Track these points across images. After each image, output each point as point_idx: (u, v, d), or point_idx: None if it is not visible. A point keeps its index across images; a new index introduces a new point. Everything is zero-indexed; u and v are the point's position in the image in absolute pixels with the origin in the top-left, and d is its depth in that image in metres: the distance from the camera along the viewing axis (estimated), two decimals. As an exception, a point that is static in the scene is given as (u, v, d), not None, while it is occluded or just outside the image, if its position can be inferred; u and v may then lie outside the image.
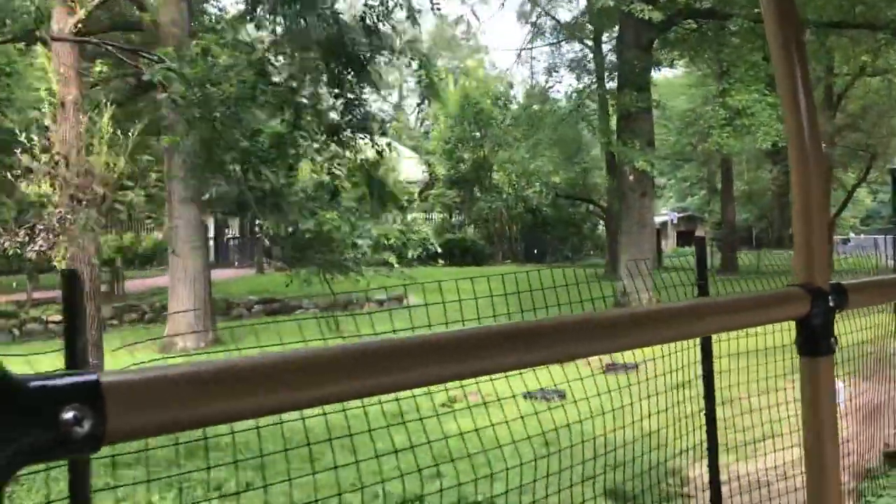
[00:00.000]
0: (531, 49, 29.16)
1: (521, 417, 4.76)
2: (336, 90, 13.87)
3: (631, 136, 21.04)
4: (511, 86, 38.46)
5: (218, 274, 21.92)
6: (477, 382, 4.06)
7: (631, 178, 21.32)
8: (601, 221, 36.96)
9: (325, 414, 3.79)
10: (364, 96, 14.51)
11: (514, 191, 34.84)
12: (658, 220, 50.96)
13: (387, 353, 0.67)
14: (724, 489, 5.54)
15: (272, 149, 11.37)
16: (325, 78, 13.70)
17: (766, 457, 5.97)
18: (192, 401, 0.57)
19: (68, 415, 0.51)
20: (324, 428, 3.85)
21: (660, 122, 32.50)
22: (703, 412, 5.09)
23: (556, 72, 28.70)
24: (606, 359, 8.38)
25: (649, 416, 5.16)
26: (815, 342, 1.20)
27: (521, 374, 4.28)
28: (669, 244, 48.89)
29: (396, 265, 13.62)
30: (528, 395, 8.30)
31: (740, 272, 28.86)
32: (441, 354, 0.71)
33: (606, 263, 29.38)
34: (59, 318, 18.98)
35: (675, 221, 50.49)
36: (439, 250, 27.06)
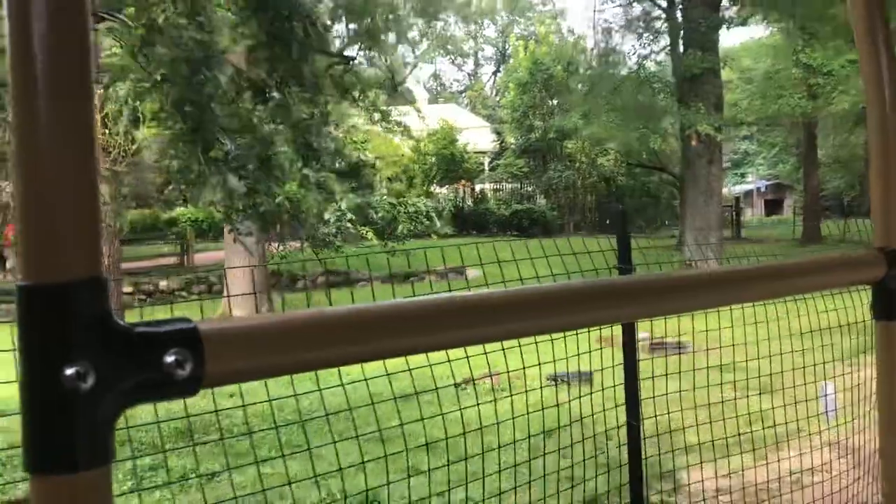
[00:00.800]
0: (601, 11, 28.41)
1: (530, 393, 4.55)
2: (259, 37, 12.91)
3: (695, 98, 20.33)
4: (584, 51, 37.82)
5: (290, 246, 22.36)
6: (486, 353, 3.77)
7: (693, 143, 20.67)
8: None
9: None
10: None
11: (587, 158, 34.42)
12: (744, 188, 49.65)
13: (471, 307, 0.72)
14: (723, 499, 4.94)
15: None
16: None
17: (782, 462, 5.13)
18: (283, 348, 0.63)
19: (171, 358, 0.56)
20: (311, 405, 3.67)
21: (744, 86, 31.45)
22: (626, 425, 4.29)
23: (615, 32, 27.72)
24: (658, 333, 7.48)
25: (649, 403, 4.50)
26: (891, 306, 1.19)
27: (537, 344, 3.84)
28: (756, 213, 47.78)
29: (376, 241, 12.57)
30: (553, 378, 7.22)
31: (824, 242, 28.07)
32: (520, 310, 0.75)
33: (679, 234, 28.87)
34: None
35: (764, 189, 49.21)
36: (439, 224, 26.47)
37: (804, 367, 5.06)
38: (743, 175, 54.10)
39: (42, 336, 0.53)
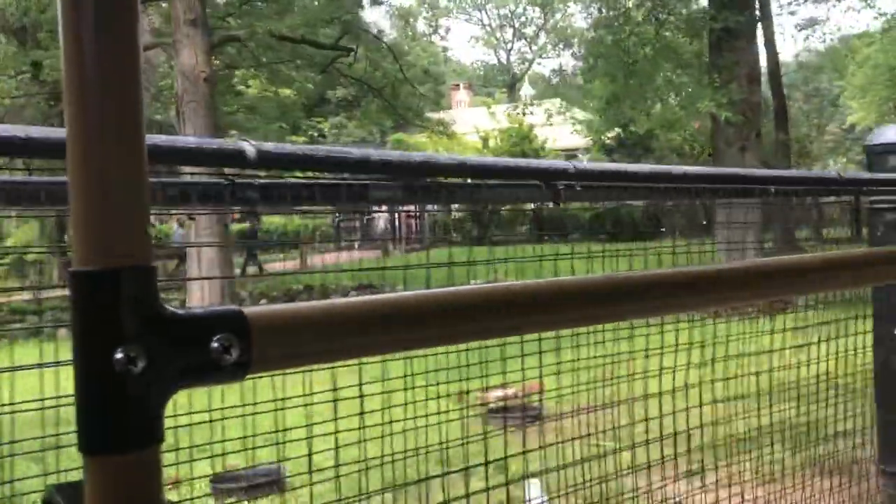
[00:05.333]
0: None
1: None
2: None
3: (714, 69, 18.23)
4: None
5: (332, 257, 22.79)
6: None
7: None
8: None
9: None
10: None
11: (689, 149, 33.81)
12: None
13: (514, 297, 0.78)
14: None
15: None
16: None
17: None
18: (331, 335, 0.70)
19: (218, 343, 0.64)
20: None
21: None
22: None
23: None
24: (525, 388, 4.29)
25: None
26: None
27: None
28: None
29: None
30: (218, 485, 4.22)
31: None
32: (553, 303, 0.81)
33: (776, 237, 27.91)
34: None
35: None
36: None
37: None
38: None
39: (93, 321, 0.61)
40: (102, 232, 0.62)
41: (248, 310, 0.66)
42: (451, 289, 0.74)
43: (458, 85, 57.38)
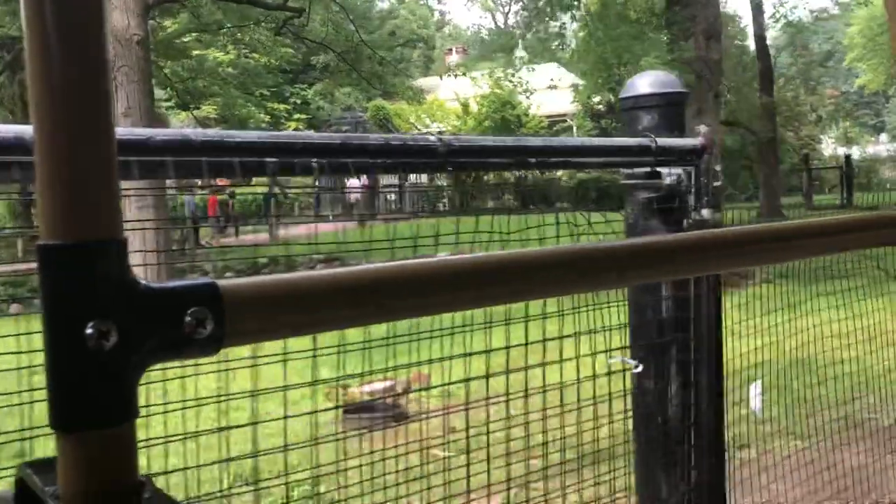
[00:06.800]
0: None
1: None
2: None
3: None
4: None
5: (308, 228, 22.97)
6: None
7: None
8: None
9: None
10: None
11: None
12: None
13: (485, 269, 0.79)
14: None
15: None
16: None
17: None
18: (306, 307, 0.71)
19: (191, 317, 0.64)
20: None
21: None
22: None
23: None
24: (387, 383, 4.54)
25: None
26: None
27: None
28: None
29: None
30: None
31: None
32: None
33: (761, 205, 28.23)
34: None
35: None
36: None
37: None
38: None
39: (64, 296, 0.61)
40: (70, 204, 0.61)
41: (222, 283, 0.66)
42: (428, 260, 0.75)
43: (451, 49, 57.11)
